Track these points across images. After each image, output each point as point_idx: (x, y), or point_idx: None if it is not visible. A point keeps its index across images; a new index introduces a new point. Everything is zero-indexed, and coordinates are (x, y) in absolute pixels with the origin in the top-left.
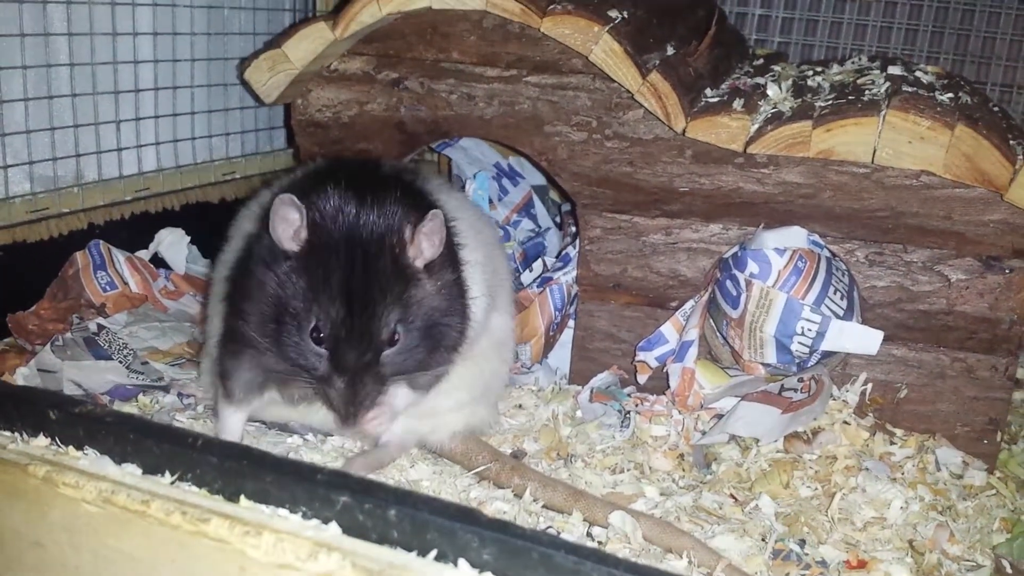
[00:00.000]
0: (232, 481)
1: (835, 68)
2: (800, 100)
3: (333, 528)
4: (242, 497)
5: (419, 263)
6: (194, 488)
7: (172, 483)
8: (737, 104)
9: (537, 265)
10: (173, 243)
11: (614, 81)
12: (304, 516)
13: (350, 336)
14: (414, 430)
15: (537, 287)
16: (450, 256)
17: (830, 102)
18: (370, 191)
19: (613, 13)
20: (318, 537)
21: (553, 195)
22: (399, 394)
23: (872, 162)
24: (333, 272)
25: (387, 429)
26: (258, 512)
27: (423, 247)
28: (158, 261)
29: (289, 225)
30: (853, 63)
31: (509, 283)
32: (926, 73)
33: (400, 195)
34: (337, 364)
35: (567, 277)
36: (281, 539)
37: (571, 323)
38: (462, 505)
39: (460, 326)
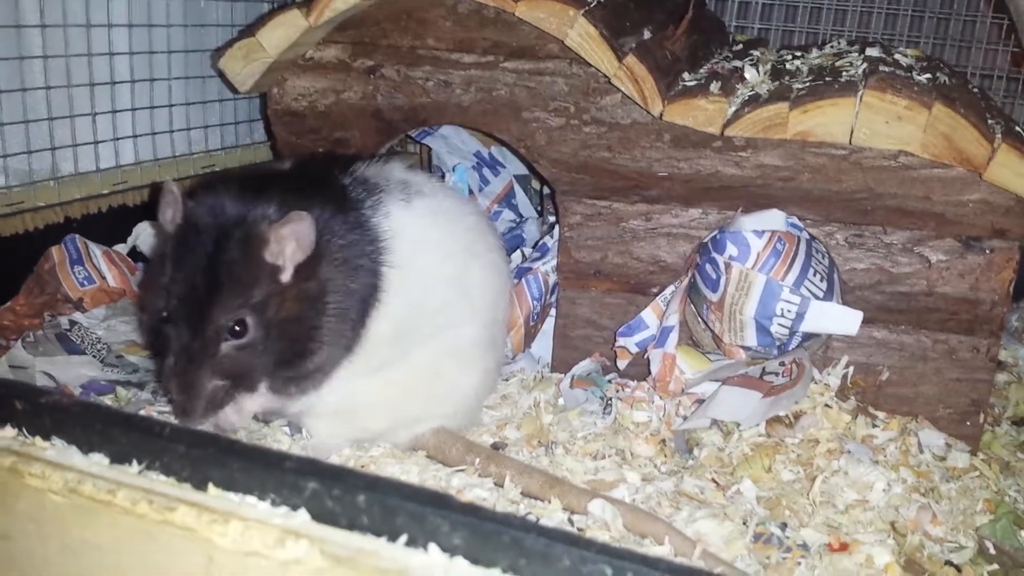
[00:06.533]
0: (200, 469)
1: (814, 52)
2: (778, 83)
3: (302, 515)
4: (210, 485)
5: (281, 262)
6: (161, 477)
7: (139, 472)
8: (714, 87)
9: (515, 256)
10: (151, 236)
11: (591, 66)
12: (273, 503)
13: (188, 318)
14: (343, 434)
15: (514, 278)
16: (344, 264)
17: (807, 84)
18: (258, 186)
19: None
20: (286, 524)
21: (534, 184)
22: (252, 395)
23: (850, 143)
24: (190, 255)
25: (233, 424)
26: (226, 500)
27: (283, 247)
28: (136, 255)
29: (168, 208)
30: (832, 47)
31: (487, 291)
32: (905, 56)
33: (288, 194)
34: (174, 343)
35: (545, 267)
36: (249, 527)
37: (553, 312)
38: (432, 490)
39: (332, 339)
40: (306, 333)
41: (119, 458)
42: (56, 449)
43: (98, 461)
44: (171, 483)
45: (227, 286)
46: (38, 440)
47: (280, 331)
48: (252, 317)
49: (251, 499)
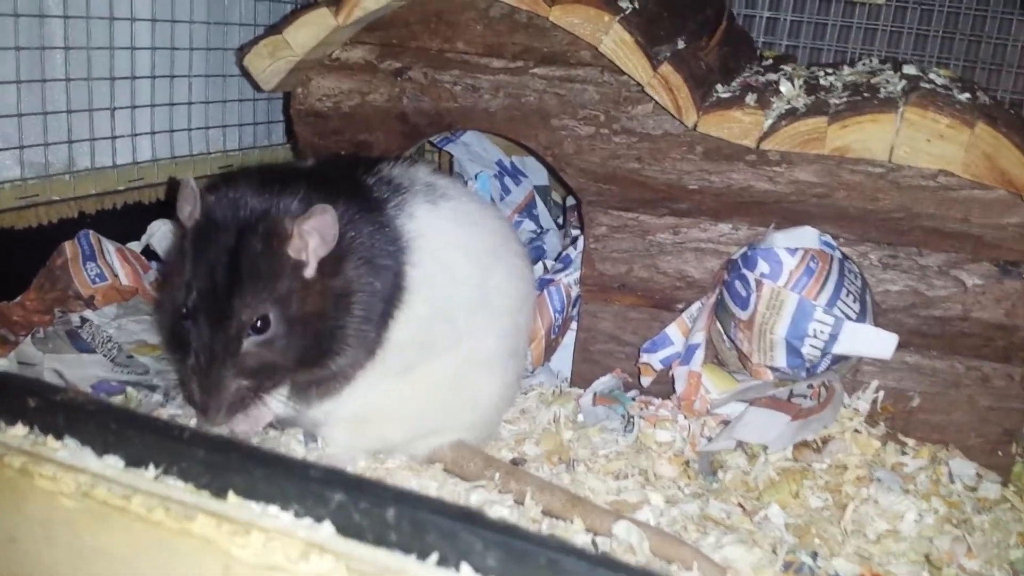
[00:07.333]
0: (220, 476)
1: (846, 69)
2: (814, 97)
3: (327, 528)
4: (230, 493)
5: (304, 257)
6: (179, 483)
7: (156, 477)
8: (750, 99)
9: (537, 268)
10: (165, 235)
11: (623, 74)
12: (296, 515)
13: (210, 315)
14: (360, 444)
15: (536, 290)
16: (368, 263)
17: (845, 99)
18: (280, 181)
19: (624, 3)
20: (310, 537)
21: (555, 195)
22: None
23: (889, 160)
24: (211, 251)
25: (252, 431)
26: (247, 510)
27: (307, 242)
28: (150, 253)
29: (187, 204)
30: (864, 65)
31: (510, 297)
32: (938, 75)
33: (311, 190)
34: (195, 340)
35: (567, 279)
36: (271, 539)
37: (573, 325)
38: (465, 506)
39: (356, 339)
40: (329, 331)
41: (135, 461)
42: (69, 450)
43: (113, 464)
44: (189, 490)
45: (249, 281)
46: (50, 440)
47: (303, 328)
48: (275, 312)
49: (273, 509)
